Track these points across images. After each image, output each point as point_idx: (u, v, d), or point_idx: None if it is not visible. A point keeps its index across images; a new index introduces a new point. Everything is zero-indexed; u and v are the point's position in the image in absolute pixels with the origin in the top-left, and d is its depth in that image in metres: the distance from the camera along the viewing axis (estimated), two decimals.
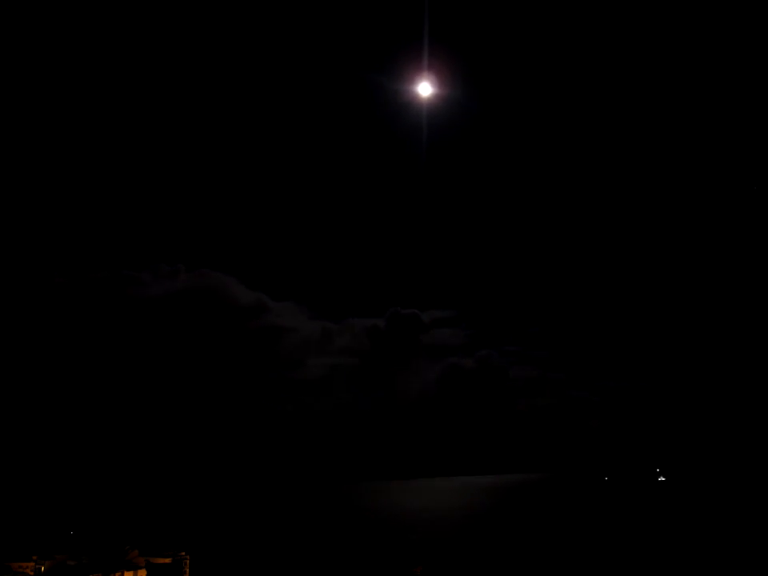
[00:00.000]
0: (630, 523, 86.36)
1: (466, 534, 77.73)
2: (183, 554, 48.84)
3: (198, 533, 73.75)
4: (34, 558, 46.02)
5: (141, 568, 45.78)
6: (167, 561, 47.48)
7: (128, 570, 45.00)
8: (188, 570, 48.12)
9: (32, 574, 45.07)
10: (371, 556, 60.29)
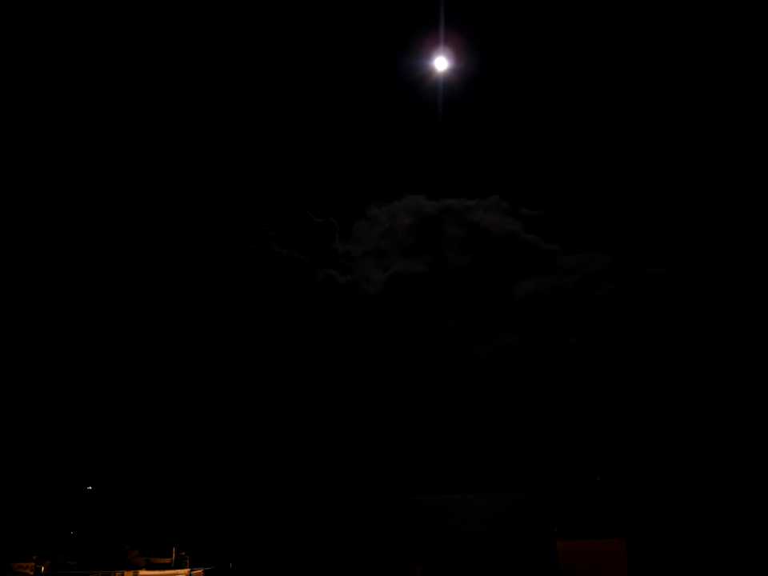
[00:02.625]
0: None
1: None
2: (183, 553, 48.69)
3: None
4: (34, 557, 45.82)
5: (141, 568, 45.67)
6: (167, 561, 47.36)
7: (128, 570, 44.87)
8: (190, 570, 48.00)
9: (32, 573, 44.90)
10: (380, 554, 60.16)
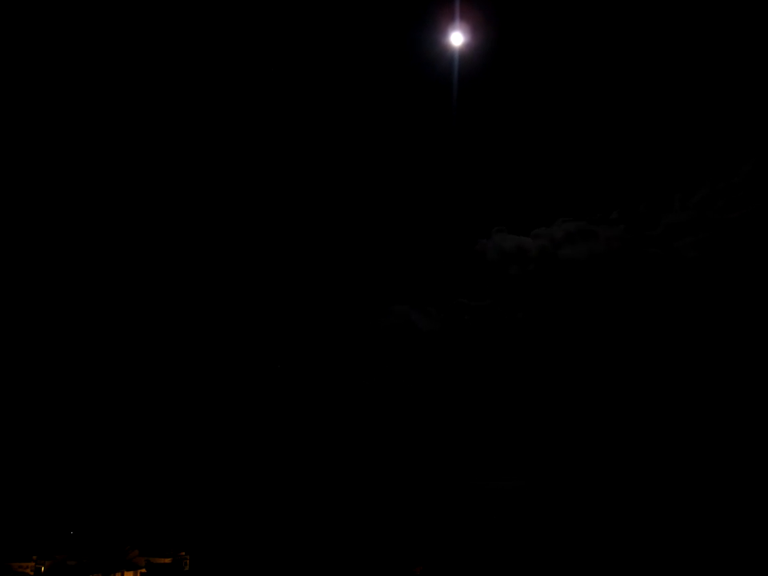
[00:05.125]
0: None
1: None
2: (183, 553, 48.74)
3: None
4: (34, 557, 45.92)
5: (141, 568, 45.76)
6: (167, 561, 47.41)
7: (128, 570, 44.98)
8: (189, 569, 48.05)
9: (32, 574, 45.01)
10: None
